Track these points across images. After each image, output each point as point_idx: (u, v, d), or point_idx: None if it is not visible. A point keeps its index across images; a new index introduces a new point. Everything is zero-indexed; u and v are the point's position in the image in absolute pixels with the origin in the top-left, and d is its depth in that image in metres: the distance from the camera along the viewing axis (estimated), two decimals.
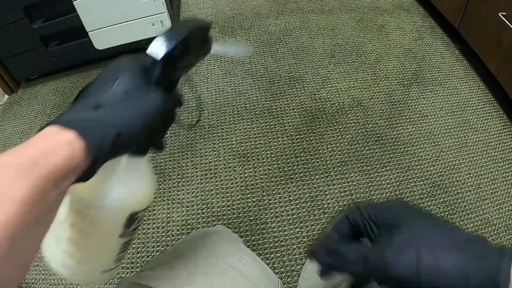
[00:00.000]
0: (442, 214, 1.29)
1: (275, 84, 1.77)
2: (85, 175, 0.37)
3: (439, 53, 1.88)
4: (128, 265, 1.29)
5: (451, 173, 1.40)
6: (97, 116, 0.39)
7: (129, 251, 1.30)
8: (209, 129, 1.60)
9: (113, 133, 0.38)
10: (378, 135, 1.53)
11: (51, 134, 0.35)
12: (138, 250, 1.31)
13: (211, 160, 1.49)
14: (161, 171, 1.49)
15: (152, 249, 1.31)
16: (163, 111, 0.43)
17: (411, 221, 0.37)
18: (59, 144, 0.34)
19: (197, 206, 1.38)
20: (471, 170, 1.41)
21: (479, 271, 0.31)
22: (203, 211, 1.37)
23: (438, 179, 1.38)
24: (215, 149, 1.53)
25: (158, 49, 0.45)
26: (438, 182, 1.37)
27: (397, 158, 1.45)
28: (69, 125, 0.36)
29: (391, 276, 0.34)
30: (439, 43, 1.93)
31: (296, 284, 1.18)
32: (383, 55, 1.87)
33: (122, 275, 1.27)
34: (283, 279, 1.19)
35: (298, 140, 1.53)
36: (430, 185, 1.37)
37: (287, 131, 1.56)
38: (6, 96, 1.99)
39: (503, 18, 1.46)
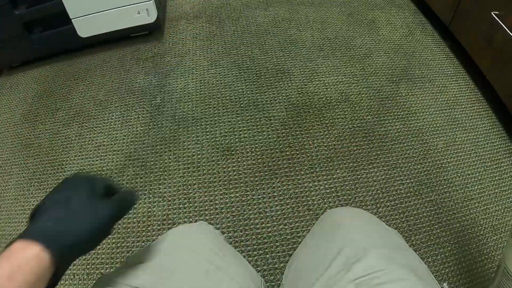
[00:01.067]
0: (428, 213, 1.27)
1: (262, 77, 1.74)
2: (52, 283, 0.43)
3: (429, 50, 1.86)
4: (107, 260, 1.26)
5: (438, 172, 1.38)
6: (57, 229, 0.45)
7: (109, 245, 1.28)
8: (193, 121, 1.57)
9: (71, 243, 0.45)
10: (365, 131, 1.51)
11: (20, 249, 0.41)
12: (118, 245, 1.28)
13: (194, 153, 1.46)
14: (143, 163, 1.45)
15: (132, 244, 1.28)
16: (107, 222, 0.50)
17: None
18: (28, 258, 0.40)
19: (179, 200, 1.35)
20: (459, 169, 1.39)
21: None
22: (185, 205, 1.34)
23: (425, 178, 1.36)
24: (198, 142, 1.50)
25: None
26: (425, 180, 1.36)
27: (384, 155, 1.43)
28: (34, 239, 0.42)
29: None
30: (429, 40, 1.91)
31: (279, 282, 1.16)
32: (373, 50, 1.84)
33: (102, 271, 1.24)
34: (266, 277, 1.17)
35: (283, 134, 1.50)
36: (417, 183, 1.35)
37: (272, 125, 1.53)
38: None
39: (496, 17, 1.44)
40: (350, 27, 1.97)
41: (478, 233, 1.23)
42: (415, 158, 1.42)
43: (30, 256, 0.40)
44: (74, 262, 1.23)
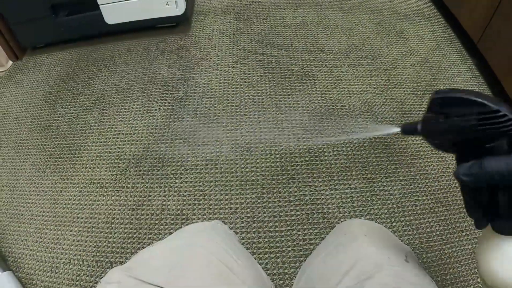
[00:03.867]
0: (441, 232, 1.25)
1: (287, 79, 1.72)
2: None
3: (455, 66, 1.83)
4: (118, 250, 1.25)
5: (456, 191, 1.35)
6: None
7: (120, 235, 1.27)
8: (214, 118, 1.56)
9: None
10: (386, 143, 1.49)
11: None
12: (130, 235, 1.28)
13: (213, 150, 1.45)
14: (161, 156, 1.45)
15: (144, 236, 1.27)
16: None
17: None
18: None
19: (194, 196, 1.34)
20: None
21: None
22: (200, 202, 1.33)
23: (441, 196, 1.34)
24: (218, 139, 1.48)
25: None
26: (442, 198, 1.33)
27: (402, 170, 1.41)
28: None
29: None
30: (456, 56, 1.88)
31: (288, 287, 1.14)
32: (399, 61, 1.82)
33: (111, 259, 1.23)
34: (275, 281, 1.16)
35: (304, 139, 1.49)
36: (433, 201, 1.33)
37: (293, 129, 1.52)
38: (10, 63, 1.94)
39: None
40: (378, 36, 1.94)
41: None
42: (433, 175, 1.40)
43: None
44: (83, 249, 1.23)
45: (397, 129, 0.49)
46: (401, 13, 2.10)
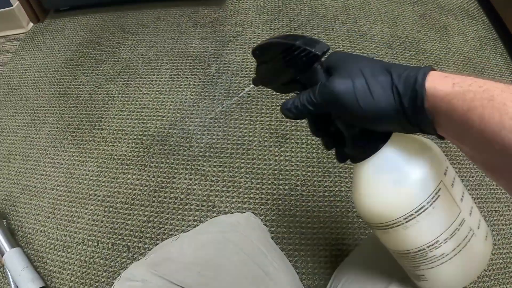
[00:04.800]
0: None
1: None
2: None
3: (497, 70, 1.72)
4: (136, 233, 1.16)
5: (492, 202, 1.25)
6: None
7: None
8: (248, 99, 1.44)
9: None
10: None
11: None
12: (150, 219, 1.18)
13: (245, 134, 1.34)
14: (188, 135, 1.34)
15: (166, 220, 1.17)
16: None
17: (349, 60, 0.44)
18: None
19: (222, 182, 1.24)
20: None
21: (399, 84, 0.39)
22: (229, 189, 1.22)
23: (478, 205, 1.23)
24: (251, 122, 1.37)
25: None
26: (478, 207, 1.22)
27: None
28: None
29: (337, 98, 0.42)
30: (499, 59, 1.77)
31: None
32: (442, 58, 1.71)
33: (128, 243, 1.14)
34: (303, 281, 1.07)
35: None
36: None
37: None
38: (31, 25, 1.83)
39: None
40: (422, 29, 1.83)
41: None
42: (472, 183, 1.29)
43: None
44: (99, 229, 1.14)
45: (248, 87, 0.53)
46: (445, 8, 1.98)
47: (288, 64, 0.47)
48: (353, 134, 0.47)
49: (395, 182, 0.45)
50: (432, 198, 0.44)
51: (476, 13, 1.99)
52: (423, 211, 0.44)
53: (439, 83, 0.37)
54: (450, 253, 0.47)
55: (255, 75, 0.54)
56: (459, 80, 0.36)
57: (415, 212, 0.44)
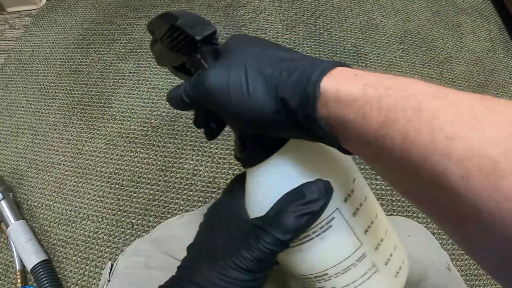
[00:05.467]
0: None
1: (338, 55, 1.61)
2: None
3: (508, 72, 1.71)
4: (141, 211, 1.17)
5: None
6: None
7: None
8: None
9: None
10: None
11: None
12: (156, 197, 1.18)
13: None
14: None
15: (171, 200, 1.18)
16: None
17: (241, 46, 0.36)
18: None
19: (229, 165, 1.24)
20: None
21: (287, 83, 0.30)
22: (235, 172, 1.23)
23: None
24: None
25: None
26: None
27: None
28: None
29: (207, 92, 0.33)
30: (510, 61, 1.76)
31: None
32: (453, 56, 1.70)
33: (133, 220, 1.14)
34: None
35: None
36: None
37: None
38: (44, 1, 1.83)
39: None
40: (434, 26, 1.82)
41: None
42: None
43: None
44: (104, 205, 1.15)
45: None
46: (459, 6, 1.97)
47: (173, 46, 0.39)
48: (241, 136, 0.38)
49: (272, 195, 0.37)
50: (320, 228, 0.37)
51: (489, 14, 1.98)
52: (308, 240, 0.38)
53: (345, 84, 0.27)
54: None
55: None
56: (373, 79, 0.27)
57: (298, 241, 0.38)
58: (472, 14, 1.94)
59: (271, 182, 0.37)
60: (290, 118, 0.30)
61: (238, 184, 0.42)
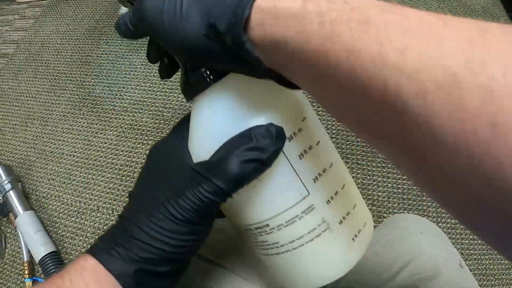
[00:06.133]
0: (483, 242, 1.12)
1: None
2: None
3: None
4: None
5: None
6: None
7: None
8: None
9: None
10: None
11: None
12: None
13: None
14: None
15: None
16: None
17: None
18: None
19: None
20: None
21: (219, 5, 0.27)
22: None
23: None
24: None
25: None
26: None
27: None
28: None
29: (142, 14, 0.31)
30: None
31: None
32: None
33: None
34: None
35: None
36: None
37: None
38: None
39: None
40: None
41: None
42: None
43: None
44: (115, 197, 1.13)
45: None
46: (470, 7, 1.96)
47: None
48: (183, 64, 0.35)
49: (215, 135, 0.34)
50: None
51: (500, 15, 1.97)
52: None
53: (282, 0, 0.24)
54: (287, 245, 0.36)
55: None
56: None
57: None
58: (483, 15, 1.94)
59: (214, 119, 0.34)
60: (220, 44, 0.27)
61: (184, 125, 0.39)
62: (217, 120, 0.34)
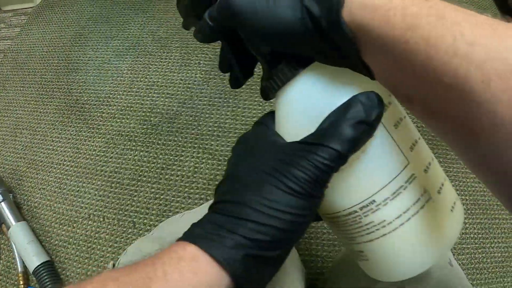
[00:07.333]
0: (474, 236, 1.15)
1: None
2: None
3: None
4: (142, 210, 1.16)
5: (493, 196, 1.24)
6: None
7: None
8: (259, 79, 1.42)
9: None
10: (430, 137, 1.31)
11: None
12: (156, 196, 1.18)
13: (254, 115, 1.33)
14: (197, 114, 1.34)
15: (172, 198, 1.17)
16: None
17: None
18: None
19: None
20: None
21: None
22: None
23: (480, 198, 1.22)
24: (261, 103, 1.36)
25: None
26: (480, 201, 1.21)
27: (445, 165, 1.27)
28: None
29: (231, 5, 0.32)
30: None
31: (318, 271, 1.07)
32: None
33: (134, 219, 1.14)
34: (305, 264, 1.05)
35: None
36: (471, 202, 1.21)
37: None
38: None
39: None
40: None
41: None
42: (474, 176, 1.28)
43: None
44: (105, 204, 1.15)
45: None
46: (478, 4, 1.94)
47: None
48: (267, 59, 0.37)
49: (313, 114, 0.34)
50: None
51: (487, 5, 1.94)
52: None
53: None
54: (394, 221, 0.35)
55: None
56: None
57: None
58: (468, 7, 1.91)
59: (308, 101, 0.35)
60: (314, 27, 0.30)
61: (267, 117, 0.40)
62: (312, 101, 0.35)
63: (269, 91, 0.37)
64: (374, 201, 0.34)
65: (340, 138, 0.31)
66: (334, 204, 0.36)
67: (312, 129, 0.34)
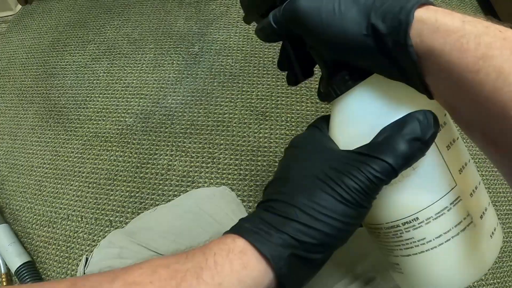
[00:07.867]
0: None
1: None
2: None
3: None
4: (118, 208, 1.20)
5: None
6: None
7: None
8: (230, 77, 1.45)
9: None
10: None
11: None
12: (132, 194, 1.22)
13: (226, 112, 1.36)
14: (170, 113, 1.37)
15: (147, 195, 1.21)
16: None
17: None
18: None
19: (202, 158, 1.27)
20: None
21: (379, 9, 0.30)
22: (208, 165, 1.25)
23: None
24: (232, 100, 1.39)
25: None
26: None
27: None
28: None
29: (297, 13, 0.33)
30: None
31: None
32: None
33: (111, 218, 1.18)
34: None
35: (323, 109, 1.39)
36: None
37: (312, 97, 1.41)
38: (19, 7, 1.83)
39: None
40: None
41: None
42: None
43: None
44: (83, 205, 1.18)
45: None
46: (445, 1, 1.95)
47: None
48: (328, 65, 0.38)
49: (369, 125, 0.35)
50: None
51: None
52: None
53: (443, 16, 0.27)
54: (434, 240, 0.35)
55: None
56: (471, 18, 0.27)
57: None
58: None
59: (365, 111, 0.36)
60: (378, 44, 0.30)
61: (321, 121, 0.41)
62: (368, 113, 0.35)
63: (328, 97, 0.38)
64: (417, 218, 0.35)
65: (394, 153, 0.31)
66: (378, 216, 0.37)
67: (366, 140, 0.34)
